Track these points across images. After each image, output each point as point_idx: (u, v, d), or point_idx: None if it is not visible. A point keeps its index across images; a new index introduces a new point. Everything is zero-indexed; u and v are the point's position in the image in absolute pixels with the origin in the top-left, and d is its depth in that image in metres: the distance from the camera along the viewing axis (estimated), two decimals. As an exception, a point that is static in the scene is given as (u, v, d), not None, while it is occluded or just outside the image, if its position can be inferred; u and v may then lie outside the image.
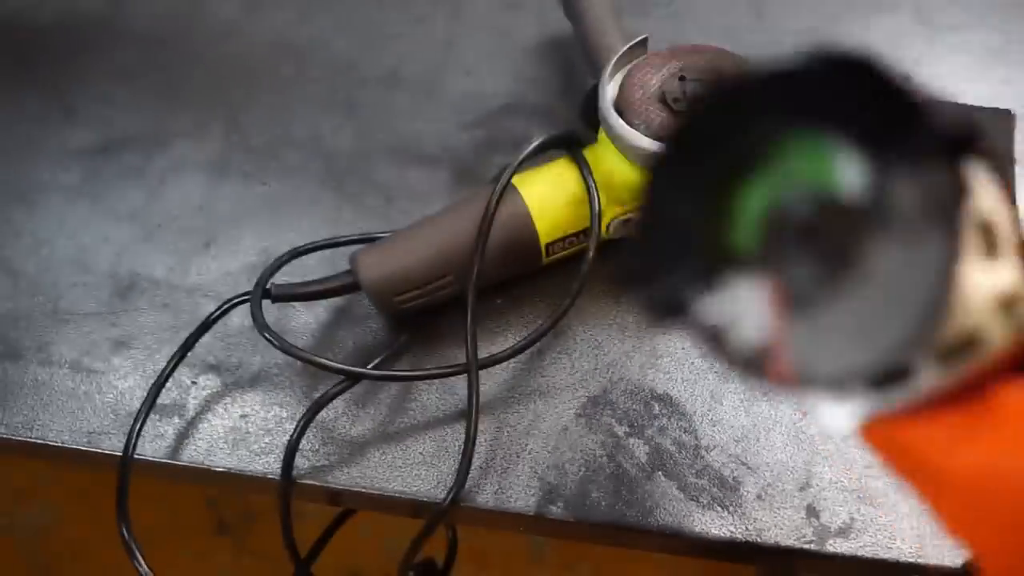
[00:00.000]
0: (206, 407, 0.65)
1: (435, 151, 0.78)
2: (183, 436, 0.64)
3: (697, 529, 0.59)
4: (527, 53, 0.84)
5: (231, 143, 0.79)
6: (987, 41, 0.73)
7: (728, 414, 0.63)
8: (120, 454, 0.63)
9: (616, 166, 0.65)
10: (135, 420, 0.63)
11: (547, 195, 0.65)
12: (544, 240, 0.65)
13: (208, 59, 0.85)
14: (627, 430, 0.63)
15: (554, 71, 0.83)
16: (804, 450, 0.62)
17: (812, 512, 0.59)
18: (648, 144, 0.63)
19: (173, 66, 0.85)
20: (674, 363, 0.66)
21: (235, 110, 0.81)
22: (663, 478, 0.61)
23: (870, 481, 0.60)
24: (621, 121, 0.64)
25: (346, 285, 0.65)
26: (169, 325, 0.69)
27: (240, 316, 0.69)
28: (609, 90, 0.66)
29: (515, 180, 0.65)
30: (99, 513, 1.53)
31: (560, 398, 0.64)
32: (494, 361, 0.63)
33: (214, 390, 0.66)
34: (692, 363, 0.66)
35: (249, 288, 0.65)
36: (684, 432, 0.63)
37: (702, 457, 0.62)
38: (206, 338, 0.67)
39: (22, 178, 0.78)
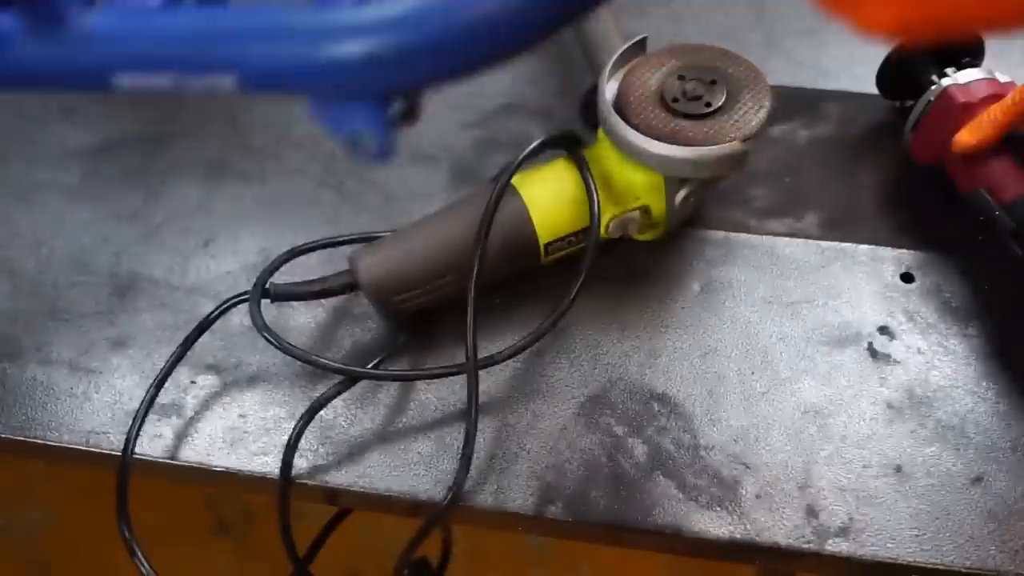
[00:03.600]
0: (205, 407, 0.65)
1: (435, 151, 0.78)
2: (182, 436, 0.64)
3: (696, 529, 0.59)
4: (527, 53, 0.84)
5: (230, 143, 0.79)
6: (989, 41, 0.73)
7: (727, 413, 0.63)
8: (119, 453, 0.63)
9: (615, 166, 0.65)
10: (134, 419, 0.63)
11: (546, 195, 0.65)
12: (543, 240, 0.65)
13: (208, 59, 0.85)
14: (626, 430, 0.63)
15: (554, 71, 0.83)
16: (803, 450, 0.62)
17: (811, 512, 0.59)
18: (647, 144, 0.63)
19: (173, 66, 0.85)
20: (673, 362, 0.66)
21: (234, 110, 0.81)
22: (662, 478, 0.61)
23: (869, 481, 0.60)
24: (620, 121, 0.63)
25: (345, 285, 0.64)
26: (168, 325, 0.69)
27: (239, 316, 0.69)
28: (608, 90, 0.66)
29: (515, 180, 0.65)
30: (98, 513, 1.53)
31: (559, 398, 0.64)
32: (494, 361, 0.63)
33: (213, 390, 0.66)
34: (691, 362, 0.66)
35: (248, 288, 0.65)
36: (683, 432, 0.63)
37: (701, 457, 0.62)
38: (205, 338, 0.67)
39: (22, 178, 0.78)
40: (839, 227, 0.72)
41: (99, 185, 0.77)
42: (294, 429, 0.61)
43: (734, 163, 0.63)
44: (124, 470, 0.62)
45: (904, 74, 0.73)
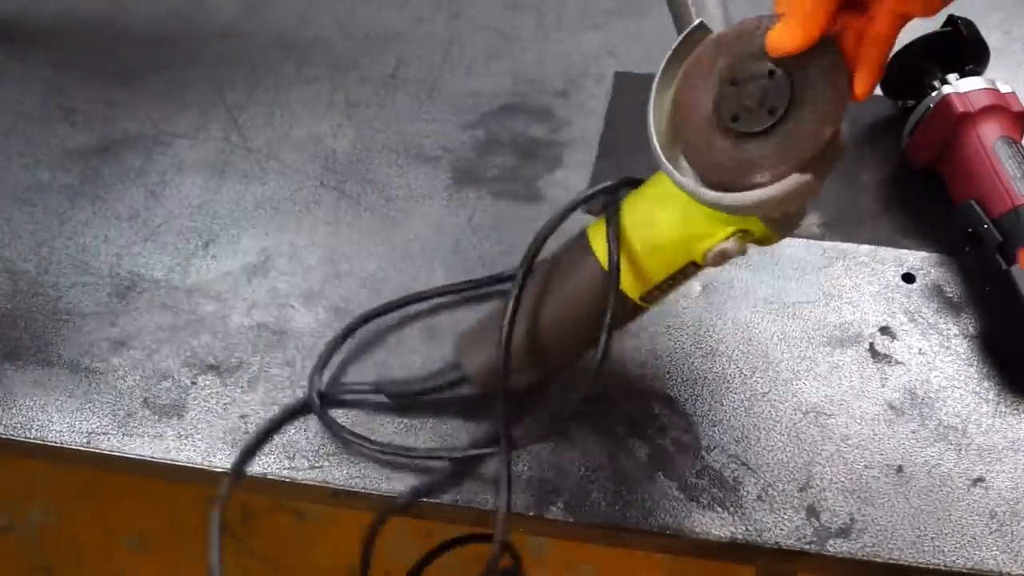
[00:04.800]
0: (206, 408, 0.65)
1: (435, 151, 0.78)
2: (183, 436, 0.64)
3: (697, 529, 0.59)
4: (527, 53, 0.84)
5: (231, 143, 0.79)
6: (988, 40, 0.73)
7: (728, 414, 0.63)
8: (120, 454, 0.63)
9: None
10: (256, 440, 0.63)
11: (626, 251, 0.55)
12: (636, 295, 0.56)
13: (208, 59, 0.86)
14: (627, 430, 0.63)
15: (554, 71, 0.83)
16: (804, 450, 0.62)
17: (812, 512, 0.59)
18: (715, 199, 0.49)
19: (173, 66, 0.85)
20: (674, 363, 0.66)
21: (235, 110, 0.81)
22: (663, 478, 0.61)
23: (870, 482, 0.60)
24: (672, 169, 0.50)
25: (456, 381, 0.61)
26: (169, 325, 0.69)
27: (240, 316, 0.69)
28: (653, 117, 0.52)
29: (590, 234, 0.56)
30: (99, 513, 1.53)
31: (560, 398, 0.64)
32: (524, 443, 0.61)
33: (214, 390, 0.66)
34: (692, 363, 0.66)
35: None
36: (684, 432, 0.63)
37: (702, 457, 0.62)
38: (206, 338, 0.67)
39: (22, 178, 0.78)
40: (840, 227, 0.72)
41: (99, 185, 0.77)
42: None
43: (823, 172, 0.49)
44: (233, 487, 0.62)
45: (907, 75, 0.73)
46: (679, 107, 0.51)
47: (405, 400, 0.63)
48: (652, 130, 0.51)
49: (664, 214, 0.53)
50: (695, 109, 0.50)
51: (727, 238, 0.52)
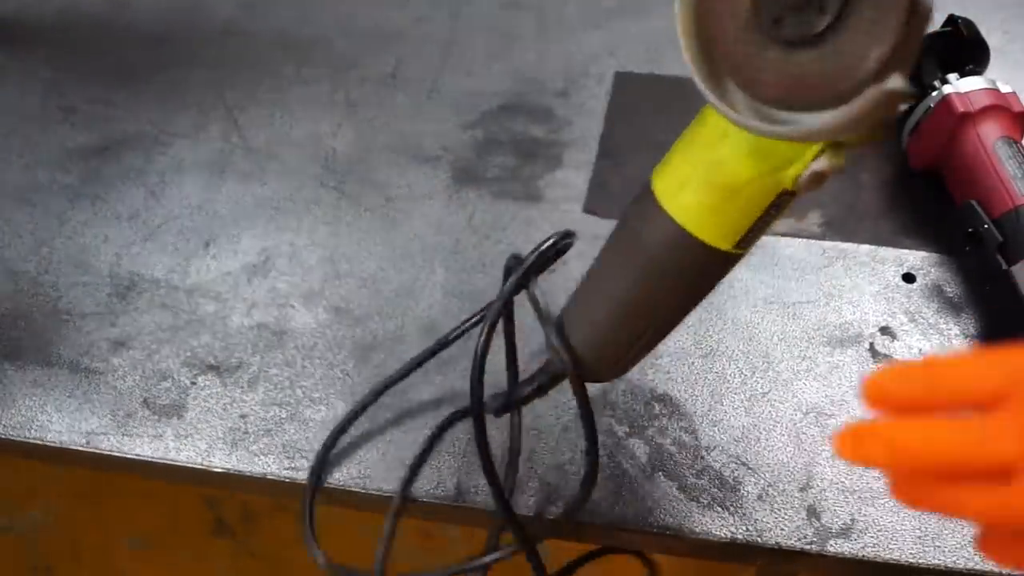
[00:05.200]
0: (205, 407, 0.65)
1: (435, 151, 0.78)
2: (182, 436, 0.64)
3: (697, 529, 0.59)
4: (527, 53, 0.84)
5: (231, 143, 0.79)
6: (989, 40, 0.73)
7: (728, 414, 0.63)
8: (120, 454, 0.63)
9: None
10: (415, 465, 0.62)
11: (702, 196, 0.45)
12: (728, 244, 0.46)
13: (208, 59, 0.86)
14: (627, 430, 0.63)
15: (554, 71, 0.83)
16: (805, 451, 0.62)
17: (813, 513, 0.59)
18: (764, 129, 0.40)
19: (173, 66, 0.85)
20: (674, 363, 0.66)
21: (235, 110, 0.81)
22: (663, 478, 0.61)
23: (871, 482, 0.60)
24: (708, 92, 0.41)
25: (555, 377, 0.55)
26: (169, 325, 0.69)
27: (240, 316, 0.69)
28: (683, 29, 0.42)
29: (654, 182, 0.46)
30: (99, 513, 1.53)
31: (560, 398, 0.64)
32: (543, 534, 0.58)
33: (214, 390, 0.66)
34: (692, 363, 0.65)
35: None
36: (684, 432, 0.63)
37: (702, 457, 0.62)
38: (206, 338, 0.67)
39: (22, 178, 0.78)
40: (841, 227, 0.72)
41: (99, 185, 0.77)
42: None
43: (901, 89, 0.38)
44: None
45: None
46: (711, 12, 0.41)
47: (508, 409, 0.58)
48: (684, 46, 0.42)
49: (731, 149, 0.43)
50: (731, 12, 0.40)
51: (816, 157, 0.42)
